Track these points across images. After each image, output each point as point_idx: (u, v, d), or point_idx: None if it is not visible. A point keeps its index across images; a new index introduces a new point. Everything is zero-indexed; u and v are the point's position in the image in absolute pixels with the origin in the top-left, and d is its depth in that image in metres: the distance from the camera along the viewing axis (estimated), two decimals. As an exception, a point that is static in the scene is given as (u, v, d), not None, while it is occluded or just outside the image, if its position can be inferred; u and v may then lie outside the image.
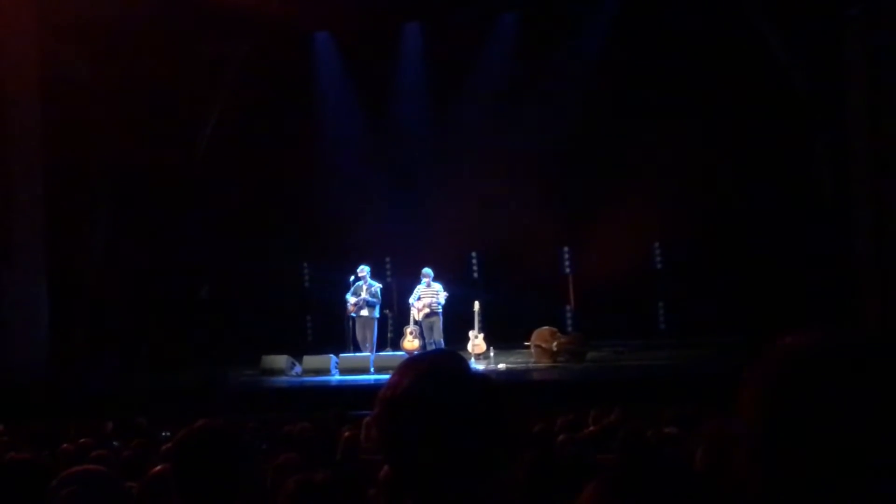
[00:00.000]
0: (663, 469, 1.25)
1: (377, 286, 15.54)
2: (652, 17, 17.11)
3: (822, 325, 1.26)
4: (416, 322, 15.43)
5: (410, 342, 15.39)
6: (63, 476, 2.59)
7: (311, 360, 15.29)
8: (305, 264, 18.20)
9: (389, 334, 16.46)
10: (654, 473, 1.24)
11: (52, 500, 2.53)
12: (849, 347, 1.19)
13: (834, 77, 14.95)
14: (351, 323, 15.62)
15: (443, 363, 1.68)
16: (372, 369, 14.64)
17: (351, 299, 15.45)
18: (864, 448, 1.13)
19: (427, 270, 15.40)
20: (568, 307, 17.11)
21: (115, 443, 7.82)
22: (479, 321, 15.30)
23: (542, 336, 15.30)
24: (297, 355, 15.50)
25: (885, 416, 1.13)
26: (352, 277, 15.49)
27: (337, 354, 15.30)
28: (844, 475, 1.13)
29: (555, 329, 15.53)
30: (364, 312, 15.43)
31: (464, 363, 1.70)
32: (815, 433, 1.14)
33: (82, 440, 7.31)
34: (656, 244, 16.95)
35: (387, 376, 1.71)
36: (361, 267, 15.54)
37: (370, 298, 15.41)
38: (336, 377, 14.77)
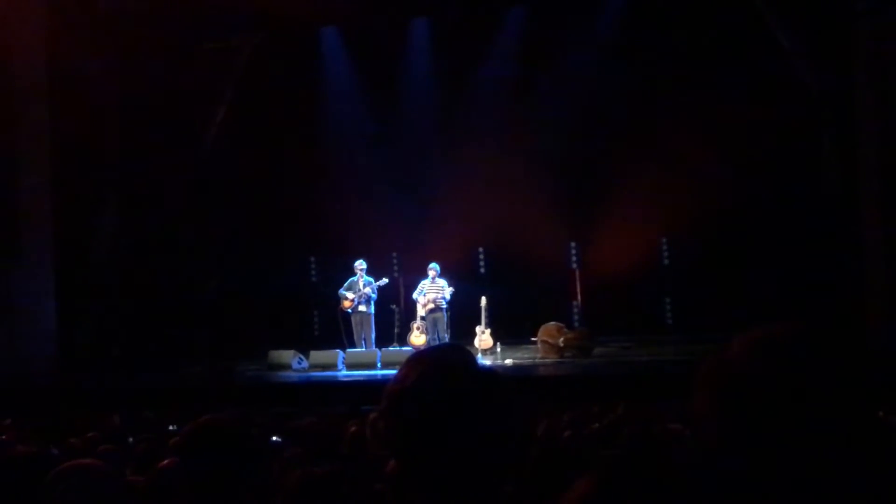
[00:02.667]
0: (656, 466, 1.24)
1: (380, 283, 15.50)
2: (659, 12, 17.09)
3: (781, 320, 1.26)
4: (422, 317, 15.43)
5: (417, 337, 15.40)
6: (59, 470, 2.58)
7: (317, 356, 15.29)
8: (313, 259, 18.20)
9: (396, 329, 16.46)
10: (646, 471, 1.24)
11: (48, 494, 2.53)
12: (799, 345, 1.19)
13: (842, 71, 14.90)
14: (344, 319, 15.60)
15: (450, 357, 1.68)
16: (379, 364, 14.64)
17: (348, 295, 15.41)
18: (809, 445, 1.13)
19: (434, 265, 15.41)
20: (575, 302, 17.08)
21: (130, 439, 7.83)
22: (486, 316, 15.31)
23: (548, 331, 15.30)
24: (304, 350, 15.51)
25: (829, 415, 1.14)
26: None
27: (344, 350, 15.31)
28: (792, 471, 1.13)
29: (561, 324, 15.53)
30: (362, 308, 15.40)
31: (471, 357, 1.70)
32: (767, 430, 1.15)
33: (90, 434, 7.33)
34: (663, 239, 16.90)
35: (394, 371, 1.71)
36: (359, 261, 15.52)
37: (372, 294, 15.42)
38: (343, 372, 14.78)
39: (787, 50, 15.64)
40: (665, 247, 16.84)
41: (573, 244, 17.01)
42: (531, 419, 7.20)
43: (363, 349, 15.29)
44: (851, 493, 1.13)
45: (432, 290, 15.33)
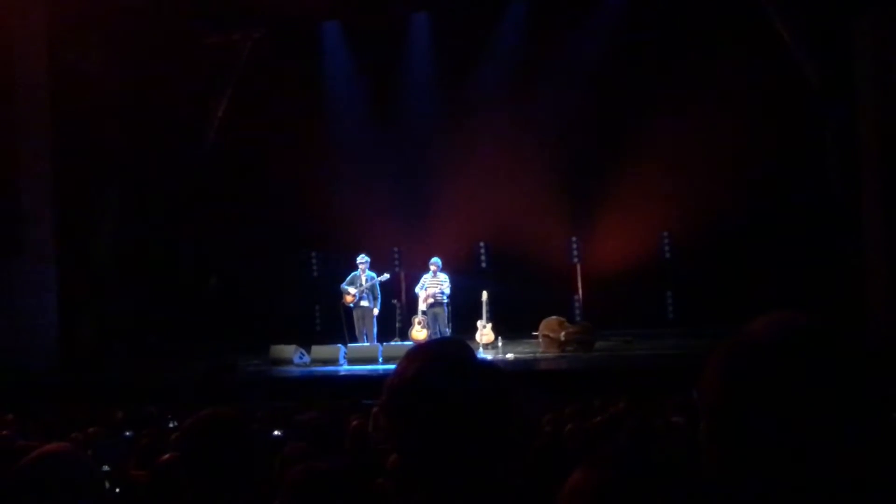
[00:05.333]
0: (652, 460, 1.24)
1: (381, 278, 15.49)
2: (660, 6, 17.08)
3: (786, 309, 1.24)
4: (423, 312, 15.44)
5: (419, 332, 15.39)
6: (29, 458, 2.57)
7: (319, 350, 15.29)
8: (314, 254, 18.21)
9: (398, 324, 16.46)
10: (642, 464, 1.23)
11: (18, 482, 2.51)
12: (804, 337, 1.18)
13: (844, 65, 14.87)
14: (346, 314, 15.60)
15: (449, 351, 1.68)
16: (380, 359, 14.64)
17: (351, 290, 15.40)
18: (810, 438, 1.12)
19: (436, 260, 15.40)
20: (576, 296, 17.10)
21: (127, 433, 7.85)
22: (487, 311, 15.31)
23: (550, 325, 15.29)
24: (306, 345, 15.51)
25: (833, 405, 1.12)
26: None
27: (345, 344, 15.32)
28: (789, 464, 1.12)
29: (563, 318, 15.51)
30: (364, 303, 15.40)
31: (470, 351, 1.70)
32: (765, 420, 1.13)
33: (91, 429, 7.34)
34: (665, 233, 16.93)
35: (395, 366, 1.71)
36: (362, 256, 15.52)
37: (377, 295, 15.42)
38: (344, 367, 14.79)
39: (788, 43, 15.62)
40: (666, 241, 16.87)
41: (574, 238, 17.02)
42: (533, 413, 7.21)
43: (365, 344, 15.29)
44: (863, 489, 1.11)
45: (433, 285, 15.32)
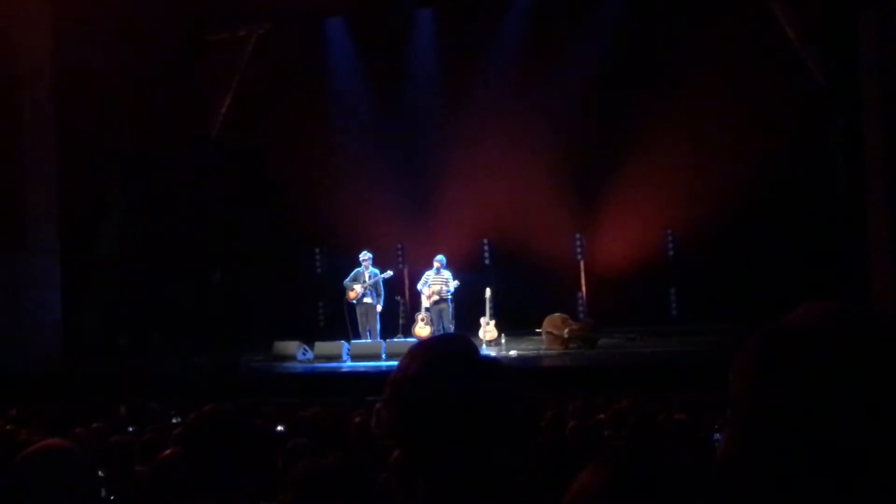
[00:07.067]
0: (665, 456, 1.23)
1: (384, 275, 15.49)
2: (665, 1, 17.07)
3: (820, 302, 1.23)
4: (427, 309, 15.44)
5: (422, 328, 15.39)
6: (27, 452, 2.56)
7: (322, 346, 15.31)
8: (317, 250, 18.21)
9: (401, 321, 16.47)
10: (655, 459, 1.22)
11: (16, 476, 2.51)
12: (841, 328, 1.16)
13: (849, 62, 14.86)
14: (350, 310, 15.61)
15: (453, 347, 1.67)
16: (383, 355, 14.66)
17: (356, 287, 15.41)
18: (847, 433, 1.10)
19: (440, 257, 15.42)
20: (579, 294, 17.08)
21: (130, 428, 7.85)
22: (491, 308, 15.30)
23: (553, 322, 15.29)
24: (309, 341, 15.52)
25: (869, 399, 1.10)
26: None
27: (348, 341, 15.33)
28: (824, 461, 1.10)
29: (566, 315, 15.51)
30: (367, 300, 15.40)
31: (473, 347, 1.69)
32: (798, 411, 1.12)
33: (95, 424, 7.34)
34: (669, 231, 16.90)
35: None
36: (364, 253, 15.52)
37: (380, 292, 15.43)
38: (347, 363, 14.80)
39: (793, 41, 15.59)
40: (670, 238, 16.84)
41: (578, 235, 17.00)
42: (536, 410, 7.21)
43: (368, 340, 15.30)
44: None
45: (437, 282, 15.32)
